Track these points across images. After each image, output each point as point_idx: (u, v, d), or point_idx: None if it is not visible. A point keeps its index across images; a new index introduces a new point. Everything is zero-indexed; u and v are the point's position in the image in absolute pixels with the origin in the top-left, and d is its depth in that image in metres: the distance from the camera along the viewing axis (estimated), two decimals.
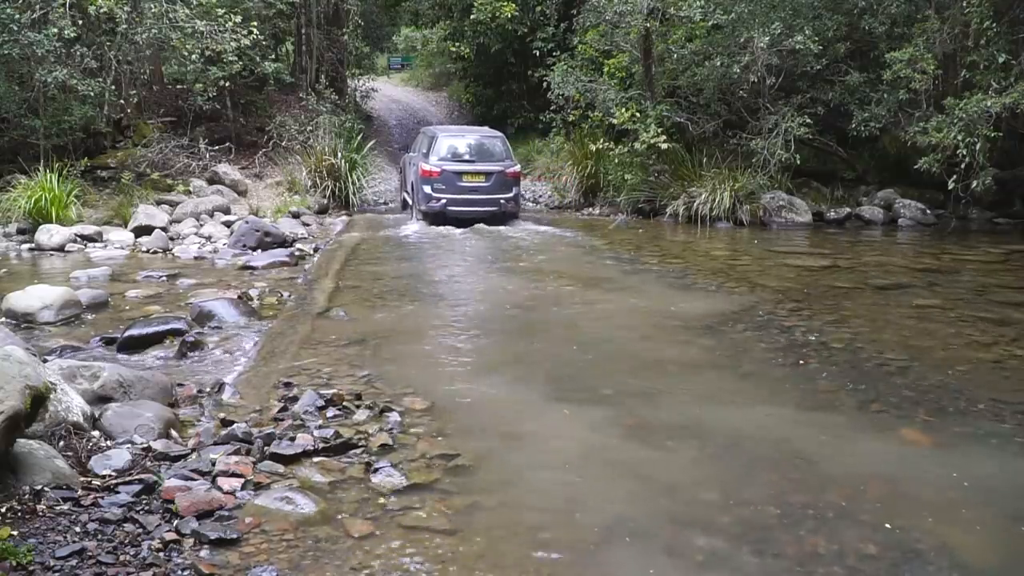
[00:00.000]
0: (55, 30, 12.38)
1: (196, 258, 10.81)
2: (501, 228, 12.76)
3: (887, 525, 3.59)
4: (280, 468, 3.96)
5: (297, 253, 10.88)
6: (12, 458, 3.52)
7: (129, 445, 4.13)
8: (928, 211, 13.25)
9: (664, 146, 13.09)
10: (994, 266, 9.77)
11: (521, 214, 13.93)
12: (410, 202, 14.05)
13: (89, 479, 3.73)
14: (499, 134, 14.47)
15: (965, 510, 3.79)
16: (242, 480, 3.78)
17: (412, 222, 13.46)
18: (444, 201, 12.80)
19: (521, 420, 4.83)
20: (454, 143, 13.50)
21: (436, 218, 12.93)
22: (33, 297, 7.31)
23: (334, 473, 3.97)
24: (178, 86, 15.77)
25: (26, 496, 3.42)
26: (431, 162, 12.97)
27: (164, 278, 9.30)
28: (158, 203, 13.15)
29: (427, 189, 12.86)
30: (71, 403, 4.23)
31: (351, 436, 4.35)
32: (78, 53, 13.07)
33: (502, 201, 13.02)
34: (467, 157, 13.29)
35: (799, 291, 8.35)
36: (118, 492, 3.62)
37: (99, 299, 7.88)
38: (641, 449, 4.42)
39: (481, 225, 12.80)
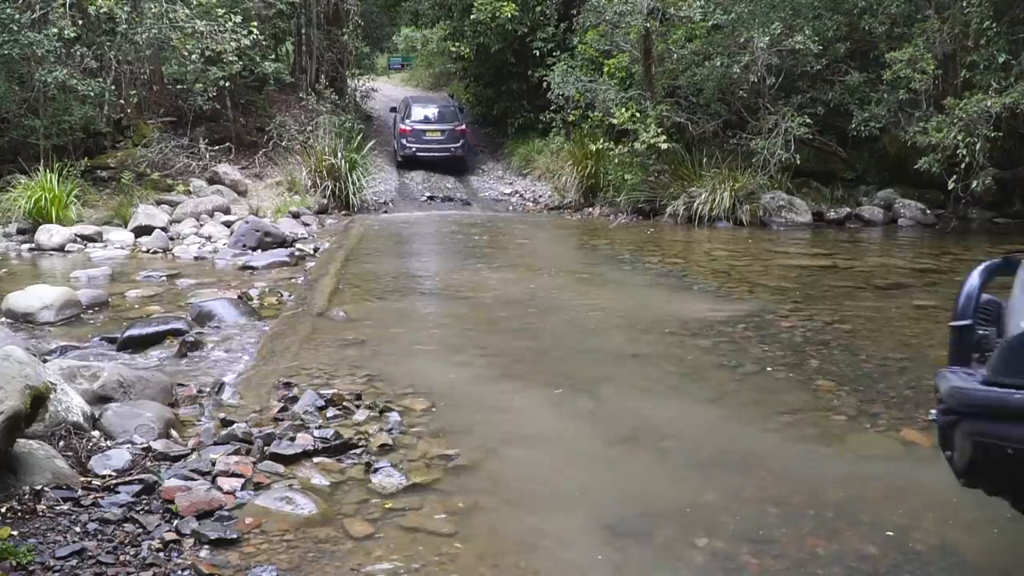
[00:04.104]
0: (55, 30, 12.38)
1: (196, 258, 10.80)
2: (499, 220, 12.81)
3: (887, 525, 3.58)
4: (280, 468, 3.95)
5: (297, 253, 10.88)
6: (12, 458, 3.52)
7: (129, 445, 4.13)
8: (928, 211, 13.25)
9: (664, 146, 13.09)
10: None
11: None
12: (395, 147, 19.55)
13: (89, 479, 3.73)
14: (453, 103, 20.77)
15: (965, 510, 3.79)
16: (242, 480, 3.78)
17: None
18: (414, 149, 18.57)
19: (521, 420, 4.83)
20: (422, 110, 19.35)
21: (408, 160, 18.73)
22: (33, 297, 7.31)
23: (334, 473, 3.96)
24: (178, 86, 15.77)
25: (26, 496, 3.42)
26: (406, 123, 18.86)
27: (164, 278, 9.30)
28: (158, 203, 13.15)
29: (403, 141, 18.78)
30: (71, 403, 4.23)
31: (351, 436, 4.35)
32: (78, 53, 13.07)
33: (452, 149, 18.75)
34: (430, 119, 19.03)
35: (799, 291, 8.35)
36: (118, 492, 3.61)
37: (99, 299, 7.88)
38: (642, 450, 4.42)
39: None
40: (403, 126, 18.84)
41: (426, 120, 18.93)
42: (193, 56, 13.68)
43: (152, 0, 13.40)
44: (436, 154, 18.62)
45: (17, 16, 12.15)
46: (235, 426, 4.44)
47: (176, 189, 13.89)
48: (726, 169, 13.27)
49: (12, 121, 13.09)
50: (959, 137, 10.90)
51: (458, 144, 18.78)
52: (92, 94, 12.87)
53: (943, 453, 2.64)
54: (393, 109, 20.92)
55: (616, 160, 14.28)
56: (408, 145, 18.55)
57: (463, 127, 19.18)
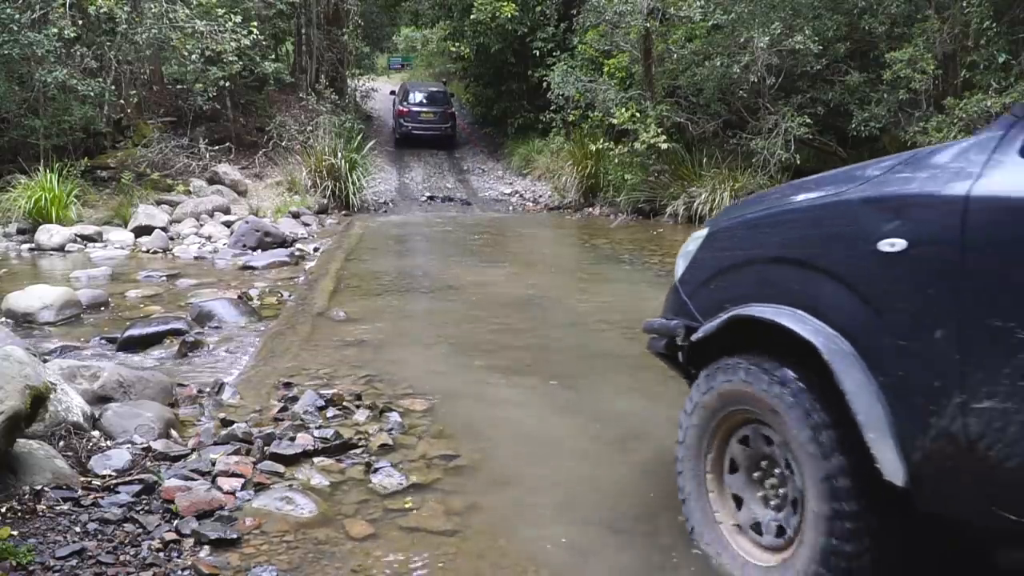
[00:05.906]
0: (55, 30, 12.38)
1: (196, 258, 10.80)
2: (499, 220, 12.82)
3: None
4: (280, 468, 3.95)
5: (297, 253, 10.89)
6: (12, 458, 3.52)
7: (129, 445, 4.13)
8: None
9: (664, 146, 13.09)
10: None
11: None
12: (393, 127, 22.68)
13: (89, 479, 3.73)
14: (444, 89, 23.62)
15: None
16: (242, 480, 3.77)
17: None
18: (410, 127, 21.55)
19: (521, 420, 4.83)
20: (417, 95, 22.30)
21: (405, 137, 21.61)
22: (33, 297, 7.30)
23: (334, 474, 3.96)
24: (178, 86, 15.78)
25: (26, 496, 3.42)
26: (403, 105, 21.89)
27: (164, 278, 9.30)
28: (158, 203, 13.15)
29: (401, 121, 21.83)
30: (71, 403, 4.23)
31: (351, 436, 4.35)
32: (78, 53, 13.07)
33: (442, 128, 21.77)
34: (424, 102, 22.00)
35: None
36: (118, 492, 3.61)
37: (99, 299, 7.88)
38: (642, 449, 4.42)
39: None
40: (401, 108, 21.82)
41: (421, 103, 21.91)
42: (193, 56, 13.68)
43: (152, 0, 13.40)
44: (428, 132, 21.61)
45: (17, 16, 12.15)
46: (235, 426, 4.44)
47: (176, 189, 13.89)
48: (726, 169, 13.27)
49: (12, 121, 13.09)
50: (959, 137, 10.88)
51: (447, 124, 21.93)
52: (92, 94, 12.87)
53: None
54: (393, 92, 24.03)
55: (616, 160, 14.29)
56: (405, 124, 21.52)
57: (452, 110, 22.41)
